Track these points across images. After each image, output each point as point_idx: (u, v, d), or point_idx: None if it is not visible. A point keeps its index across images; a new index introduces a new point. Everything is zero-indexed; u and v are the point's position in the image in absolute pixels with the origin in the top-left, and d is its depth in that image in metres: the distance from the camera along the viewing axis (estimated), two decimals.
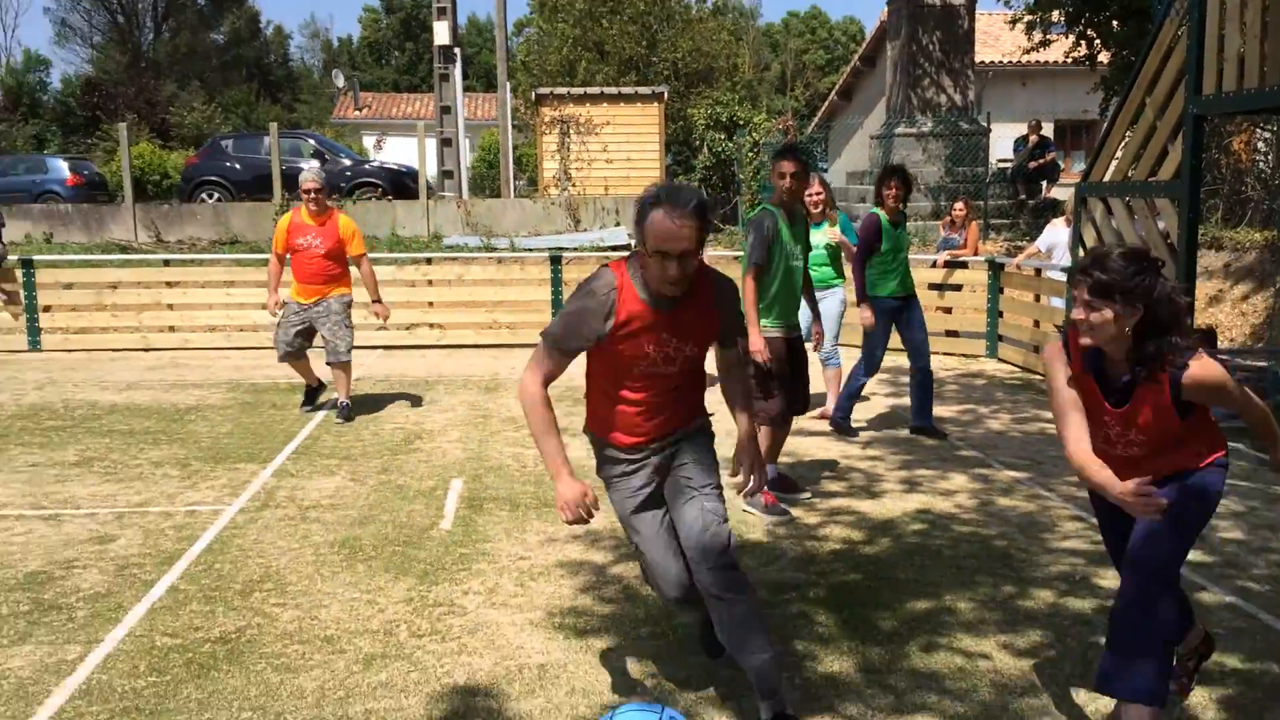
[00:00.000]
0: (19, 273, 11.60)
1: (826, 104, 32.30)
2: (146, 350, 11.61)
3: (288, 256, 7.93)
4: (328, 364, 8.07)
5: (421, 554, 5.04)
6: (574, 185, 19.84)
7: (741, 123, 18.75)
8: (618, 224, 18.52)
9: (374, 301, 8.12)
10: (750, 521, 5.51)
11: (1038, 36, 16.68)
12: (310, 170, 8.01)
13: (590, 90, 21.86)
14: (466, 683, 3.72)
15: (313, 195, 7.78)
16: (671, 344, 3.19)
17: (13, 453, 7.08)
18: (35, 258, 12.26)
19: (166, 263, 13.21)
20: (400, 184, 20.38)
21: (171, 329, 11.86)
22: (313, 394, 8.50)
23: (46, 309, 11.73)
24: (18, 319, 11.62)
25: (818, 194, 7.28)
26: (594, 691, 3.65)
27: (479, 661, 3.89)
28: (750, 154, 18.19)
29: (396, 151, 29.13)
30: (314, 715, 3.49)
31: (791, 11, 63.16)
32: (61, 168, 23.10)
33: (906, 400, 7.91)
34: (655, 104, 21.10)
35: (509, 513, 5.69)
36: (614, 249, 15.40)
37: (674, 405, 3.32)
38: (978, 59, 19.94)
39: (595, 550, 5.07)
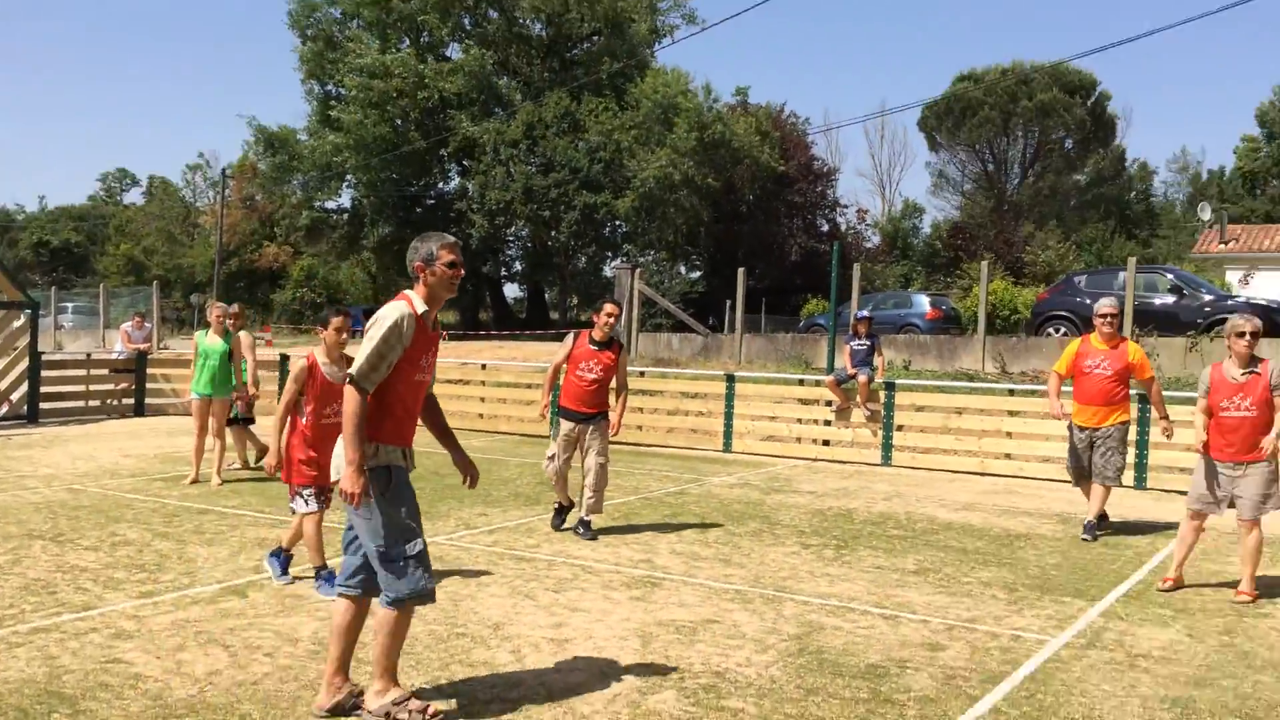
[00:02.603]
0: (883, 394, 12.97)
1: None
2: (983, 474, 12.08)
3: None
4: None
5: None
6: None
7: None
8: None
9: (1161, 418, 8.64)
10: None
11: None
12: (1107, 299, 8.80)
13: None
14: None
15: (1108, 319, 8.50)
16: None
17: (861, 553, 7.87)
18: (896, 381, 13.61)
19: (1010, 392, 13.68)
20: (1270, 320, 18.47)
21: (1008, 456, 12.20)
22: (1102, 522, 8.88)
23: (900, 428, 12.91)
24: (876, 435, 12.97)
25: None
26: None
27: None
28: None
29: (1266, 286, 26.52)
30: None
31: None
32: (923, 303, 25.45)
33: None
34: None
35: None
36: None
37: None
38: None
39: None
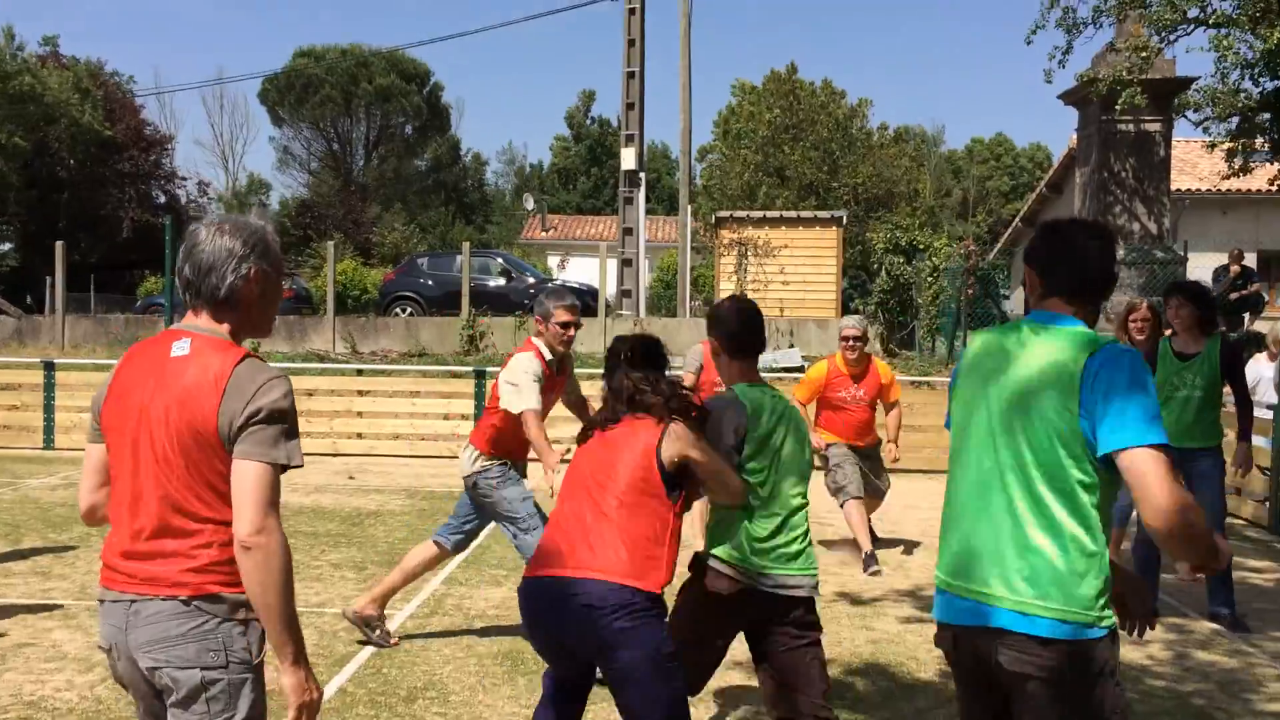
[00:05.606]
0: None
1: (1010, 230, 31.73)
2: (335, 455, 12.19)
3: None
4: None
5: None
6: None
7: (921, 247, 18.57)
8: (792, 345, 18.49)
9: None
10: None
11: (1238, 163, 16.00)
12: (850, 319, 7.65)
13: (770, 214, 22.21)
14: None
15: (851, 343, 7.31)
16: None
17: None
18: None
19: (359, 372, 13.94)
20: (581, 302, 20.98)
21: (360, 435, 12.43)
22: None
23: None
24: None
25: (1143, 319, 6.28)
26: None
27: None
28: (930, 278, 17.95)
29: (579, 271, 30.13)
30: None
31: (976, 138, 62.54)
32: None
33: None
34: (834, 227, 21.22)
35: None
36: (787, 370, 15.34)
37: None
38: (1174, 186, 19.23)
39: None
